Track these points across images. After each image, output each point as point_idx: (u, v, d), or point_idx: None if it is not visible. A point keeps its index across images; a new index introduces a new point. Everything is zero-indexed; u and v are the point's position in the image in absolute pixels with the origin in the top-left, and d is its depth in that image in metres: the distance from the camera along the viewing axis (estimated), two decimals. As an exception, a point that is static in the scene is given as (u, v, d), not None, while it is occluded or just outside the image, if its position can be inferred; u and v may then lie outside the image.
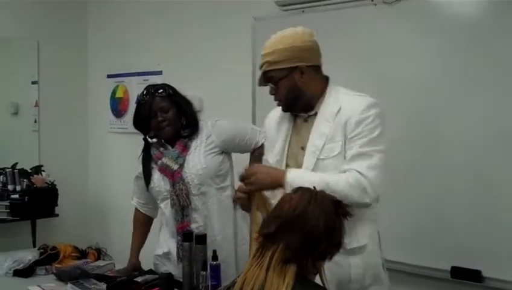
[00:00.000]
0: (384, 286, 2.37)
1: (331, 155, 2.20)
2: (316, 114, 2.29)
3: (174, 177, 2.79)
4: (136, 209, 3.13)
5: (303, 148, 2.29)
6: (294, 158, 2.33)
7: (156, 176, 2.87)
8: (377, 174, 2.13)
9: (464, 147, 2.97)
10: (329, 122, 2.23)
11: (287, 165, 2.32)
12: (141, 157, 2.96)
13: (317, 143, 2.23)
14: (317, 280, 1.71)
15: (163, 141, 2.88)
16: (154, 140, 2.90)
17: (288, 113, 2.39)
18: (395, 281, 3.21)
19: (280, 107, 2.39)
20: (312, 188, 1.83)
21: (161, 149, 2.87)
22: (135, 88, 4.89)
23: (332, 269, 1.94)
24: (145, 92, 2.86)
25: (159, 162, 2.84)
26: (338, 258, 1.90)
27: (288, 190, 1.96)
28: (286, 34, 2.25)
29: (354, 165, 2.14)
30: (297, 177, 2.11)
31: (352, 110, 2.20)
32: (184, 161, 2.80)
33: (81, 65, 5.36)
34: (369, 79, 3.28)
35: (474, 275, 2.94)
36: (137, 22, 4.87)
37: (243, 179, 2.26)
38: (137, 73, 4.87)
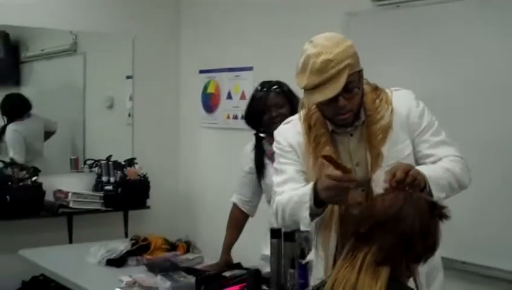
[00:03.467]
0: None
1: (402, 156, 2.06)
2: (362, 123, 2.11)
3: None
4: (235, 206, 3.15)
5: (358, 164, 2.11)
6: None
7: (272, 170, 2.87)
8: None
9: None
10: (388, 125, 2.08)
11: None
12: (253, 152, 2.99)
13: (382, 151, 2.07)
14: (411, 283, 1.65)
15: None
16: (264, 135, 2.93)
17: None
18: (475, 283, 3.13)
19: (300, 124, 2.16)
20: (446, 181, 1.95)
21: None
22: (226, 84, 4.93)
23: None
24: (259, 87, 2.93)
25: None
26: None
27: (435, 191, 1.92)
28: (339, 36, 2.02)
29: (444, 151, 2.09)
30: (431, 173, 1.95)
31: (407, 107, 2.12)
32: None
33: (174, 61, 5.44)
34: (465, 79, 3.16)
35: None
36: (229, 18, 4.90)
37: (400, 181, 1.78)
38: (229, 69, 4.90)
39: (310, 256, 2.43)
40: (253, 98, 2.94)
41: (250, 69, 4.68)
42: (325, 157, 1.92)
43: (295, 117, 2.23)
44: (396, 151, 2.08)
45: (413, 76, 3.23)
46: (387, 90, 2.14)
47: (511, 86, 3.00)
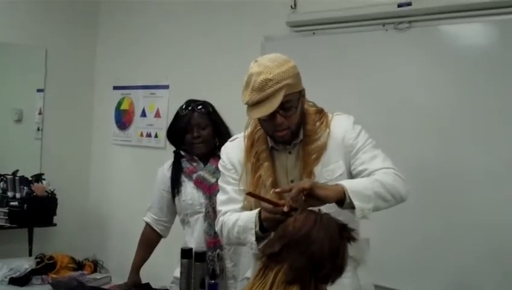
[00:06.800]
0: None
1: (334, 177, 2.15)
2: (300, 141, 2.20)
3: (211, 190, 2.81)
4: (148, 226, 3.10)
5: (293, 181, 2.18)
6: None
7: (189, 189, 2.90)
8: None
9: (474, 177, 2.96)
10: (322, 146, 2.18)
11: None
12: (170, 170, 2.96)
13: (314, 169, 2.16)
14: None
15: (195, 157, 2.92)
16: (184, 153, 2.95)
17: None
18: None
19: (241, 142, 2.28)
20: (371, 191, 1.96)
21: (194, 164, 2.90)
22: (141, 101, 4.90)
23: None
24: (184, 105, 2.92)
25: (195, 175, 2.88)
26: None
27: (355, 201, 1.95)
28: (283, 58, 2.10)
29: (376, 165, 2.14)
30: (354, 184, 2.02)
31: (343, 130, 2.21)
32: None
33: (88, 75, 5.34)
34: (378, 104, 3.28)
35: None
36: (146, 35, 4.88)
37: (293, 198, 1.90)
38: (144, 86, 4.87)
39: (248, 274, 2.44)
40: (178, 115, 2.93)
41: (166, 87, 4.67)
42: (249, 194, 2.04)
43: (241, 135, 2.33)
44: (327, 171, 2.17)
45: (329, 99, 3.27)
46: (329, 115, 2.25)
47: (424, 107, 3.13)
